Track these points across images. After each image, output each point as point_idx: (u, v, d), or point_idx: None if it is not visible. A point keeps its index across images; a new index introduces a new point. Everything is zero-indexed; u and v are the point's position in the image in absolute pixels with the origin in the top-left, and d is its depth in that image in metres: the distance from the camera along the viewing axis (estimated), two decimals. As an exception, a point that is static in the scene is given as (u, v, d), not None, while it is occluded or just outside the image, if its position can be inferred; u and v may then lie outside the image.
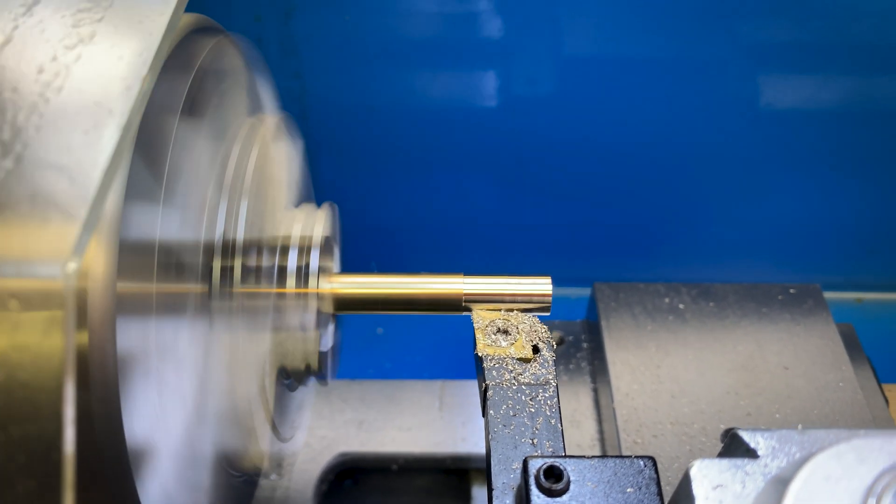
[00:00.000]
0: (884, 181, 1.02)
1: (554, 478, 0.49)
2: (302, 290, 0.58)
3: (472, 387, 0.95)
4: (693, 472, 0.45)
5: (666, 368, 0.76)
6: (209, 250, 0.53)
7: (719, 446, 0.68)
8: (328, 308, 0.62)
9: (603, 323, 0.80)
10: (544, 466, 0.49)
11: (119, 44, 0.41)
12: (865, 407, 0.73)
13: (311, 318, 0.59)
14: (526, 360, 0.59)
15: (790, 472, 0.42)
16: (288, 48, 0.93)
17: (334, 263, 0.65)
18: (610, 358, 0.77)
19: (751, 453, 0.45)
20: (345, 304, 0.62)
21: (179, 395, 0.50)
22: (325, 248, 0.61)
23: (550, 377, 0.58)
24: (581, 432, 0.80)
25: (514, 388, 0.57)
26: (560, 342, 0.89)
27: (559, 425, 0.55)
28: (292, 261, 0.58)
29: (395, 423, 0.91)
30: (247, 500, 0.65)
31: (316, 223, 0.61)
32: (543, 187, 1.05)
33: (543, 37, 0.91)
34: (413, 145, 1.00)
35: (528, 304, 0.62)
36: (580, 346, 0.87)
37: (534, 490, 0.49)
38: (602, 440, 0.78)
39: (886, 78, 0.92)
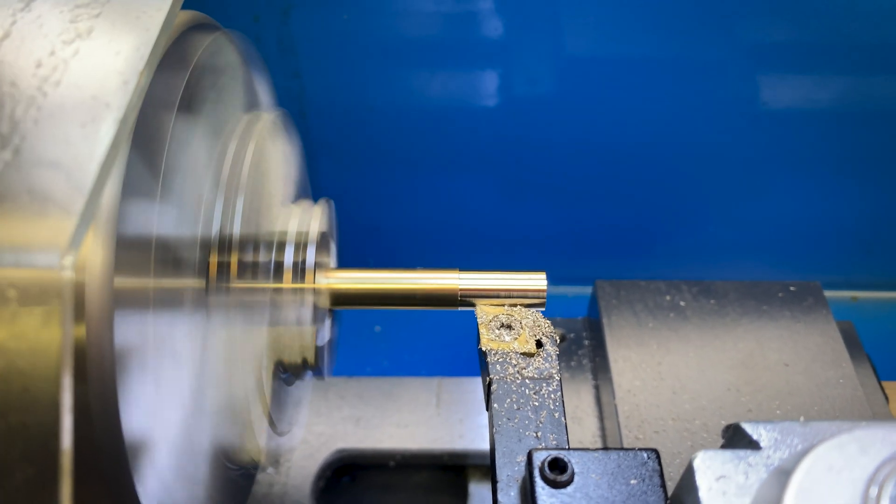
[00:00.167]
0: (880, 181, 1.02)
1: (558, 470, 0.50)
2: (298, 286, 0.59)
3: (470, 384, 0.95)
4: (696, 463, 0.45)
5: (667, 365, 0.76)
6: (206, 245, 0.53)
7: (720, 442, 0.69)
8: (325, 303, 0.62)
9: (604, 320, 0.81)
10: (549, 458, 0.50)
11: (116, 39, 0.42)
12: (865, 403, 0.73)
13: (307, 312, 0.59)
14: (529, 355, 0.59)
15: (792, 463, 0.42)
16: (286, 47, 0.93)
17: (331, 259, 0.66)
18: (611, 355, 0.77)
19: (753, 445, 0.46)
20: (341, 300, 0.62)
21: (176, 388, 0.51)
22: (322, 243, 0.62)
23: (554, 371, 0.58)
24: (583, 429, 0.80)
25: (518, 382, 0.58)
26: (562, 339, 0.90)
27: (563, 419, 0.56)
28: (289, 256, 0.59)
29: (393, 420, 0.92)
30: (244, 493, 0.66)
31: (312, 219, 0.62)
32: (543, 186, 1.05)
33: (543, 36, 0.91)
34: (411, 144, 1.00)
35: (522, 300, 0.62)
36: (581, 344, 0.87)
37: (538, 482, 0.49)
38: (604, 436, 0.78)
39: (886, 78, 0.93)
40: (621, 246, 1.10)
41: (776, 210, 1.06)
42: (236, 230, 0.54)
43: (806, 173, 1.02)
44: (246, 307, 0.56)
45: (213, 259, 0.54)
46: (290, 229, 0.60)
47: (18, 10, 0.43)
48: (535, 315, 0.61)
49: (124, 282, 0.43)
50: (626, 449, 0.51)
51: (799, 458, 0.42)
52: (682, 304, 0.82)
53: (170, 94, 0.49)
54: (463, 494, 0.92)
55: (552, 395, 0.57)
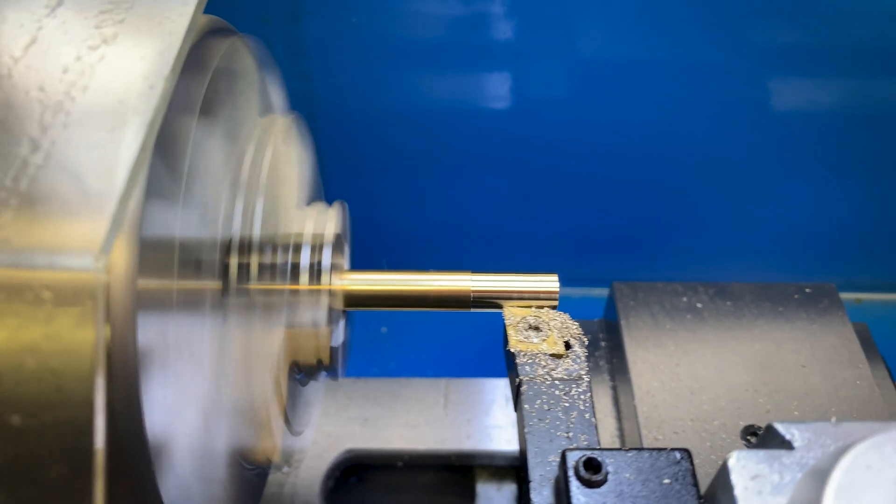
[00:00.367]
0: (883, 183, 1.03)
1: (593, 469, 0.50)
2: (315, 287, 0.59)
3: (476, 385, 0.96)
4: (731, 463, 0.45)
5: (685, 366, 0.77)
6: (225, 248, 0.54)
7: (739, 442, 0.70)
8: (339, 304, 0.63)
9: (622, 322, 0.81)
10: (583, 458, 0.50)
11: (141, 44, 0.42)
12: (882, 404, 0.74)
13: (323, 314, 0.60)
14: (558, 356, 0.60)
15: (827, 463, 0.43)
16: (296, 50, 0.94)
17: (345, 261, 0.66)
18: (630, 356, 0.78)
19: (787, 445, 0.46)
20: (355, 301, 0.63)
21: (195, 389, 0.51)
22: (337, 245, 0.62)
23: (583, 373, 0.59)
24: (601, 430, 0.81)
25: (548, 383, 0.58)
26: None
27: (593, 419, 0.57)
28: (305, 258, 0.60)
29: (401, 421, 0.92)
30: (258, 492, 0.66)
31: (328, 221, 0.62)
32: (554, 188, 1.06)
33: (552, 39, 0.92)
34: (421, 146, 1.01)
35: (535, 302, 0.63)
36: (598, 346, 0.87)
37: (573, 482, 0.50)
38: (622, 437, 0.79)
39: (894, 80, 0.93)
40: (633, 247, 1.11)
41: (782, 212, 1.07)
42: (256, 233, 0.55)
43: (812, 175, 1.03)
44: (263, 308, 0.57)
45: (233, 261, 0.54)
46: (306, 231, 0.61)
47: (43, 15, 0.44)
48: (563, 317, 0.62)
49: (147, 283, 0.44)
50: (659, 449, 0.52)
51: (834, 458, 0.42)
52: (698, 305, 0.82)
53: (191, 98, 0.49)
54: (470, 496, 0.93)
55: (582, 396, 0.58)
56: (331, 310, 0.61)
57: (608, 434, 0.80)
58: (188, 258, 0.49)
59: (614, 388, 0.83)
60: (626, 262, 1.13)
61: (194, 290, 0.50)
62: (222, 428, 0.55)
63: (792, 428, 0.47)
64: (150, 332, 0.44)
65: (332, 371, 0.63)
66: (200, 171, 0.50)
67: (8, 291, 0.32)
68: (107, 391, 0.40)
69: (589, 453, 0.51)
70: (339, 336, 0.63)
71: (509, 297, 0.63)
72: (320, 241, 0.61)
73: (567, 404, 0.57)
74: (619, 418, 0.80)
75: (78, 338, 0.33)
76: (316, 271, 0.60)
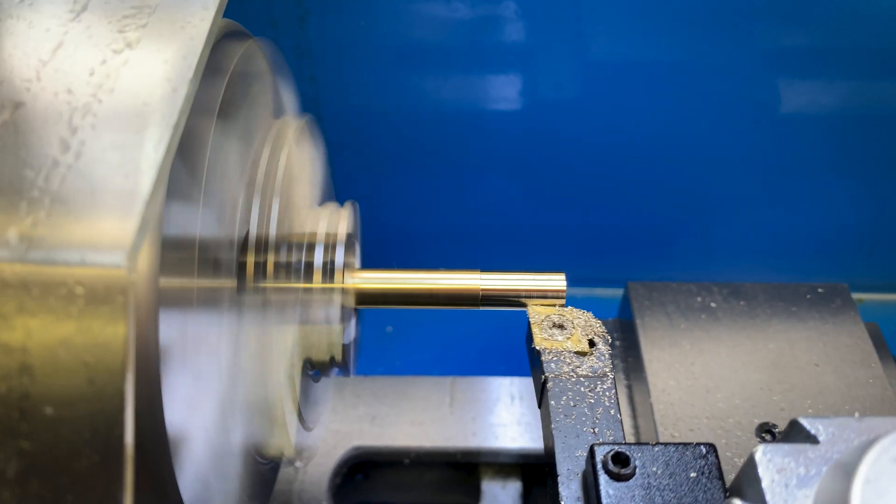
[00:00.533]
0: (889, 184, 1.04)
1: (621, 463, 0.51)
2: (328, 285, 0.61)
3: (482, 383, 0.97)
4: (758, 457, 0.46)
5: (700, 365, 0.78)
6: (242, 247, 0.55)
7: (754, 440, 0.72)
8: (351, 302, 0.64)
9: (638, 321, 0.82)
10: (611, 452, 0.52)
11: (164, 48, 0.44)
12: (895, 402, 0.75)
13: (336, 311, 0.61)
14: (583, 354, 0.61)
15: (852, 457, 0.43)
16: (303, 52, 0.95)
17: (356, 259, 0.68)
18: (646, 355, 0.79)
19: (812, 439, 0.47)
20: (366, 299, 0.64)
21: (212, 384, 0.53)
22: (349, 244, 0.64)
23: (608, 370, 0.60)
24: None
25: (573, 380, 0.59)
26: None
27: (618, 415, 0.58)
28: (318, 257, 0.61)
29: (408, 418, 0.93)
30: (270, 486, 0.68)
31: (340, 221, 0.64)
32: (564, 190, 1.07)
33: (560, 41, 0.93)
34: (429, 147, 1.02)
35: (543, 300, 0.64)
36: (613, 345, 0.88)
37: (602, 475, 0.51)
38: (637, 435, 0.80)
39: None
40: (644, 248, 1.12)
41: (789, 213, 1.08)
42: (272, 232, 0.56)
43: (819, 176, 1.04)
44: (277, 306, 0.58)
45: (249, 260, 0.56)
46: (319, 231, 0.62)
47: (69, 20, 0.45)
48: (586, 315, 0.63)
49: (168, 281, 0.45)
50: (685, 444, 0.53)
51: (860, 451, 0.43)
52: (712, 305, 0.83)
53: (209, 100, 0.50)
54: (475, 494, 0.94)
55: (607, 393, 0.59)
56: (343, 307, 0.62)
57: (625, 431, 0.81)
58: (207, 257, 0.50)
59: (629, 387, 0.84)
60: (638, 262, 1.14)
61: (212, 289, 0.52)
62: (238, 423, 0.56)
63: (816, 423, 0.47)
64: (171, 328, 0.46)
65: (343, 367, 0.65)
66: (218, 172, 0.52)
67: (43, 287, 0.33)
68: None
69: (617, 448, 0.52)
70: (351, 333, 0.64)
71: (518, 295, 0.64)
72: (333, 240, 0.62)
73: (592, 401, 0.58)
74: (634, 416, 0.81)
75: (108, 332, 0.34)
76: (329, 270, 0.61)
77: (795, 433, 0.49)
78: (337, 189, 0.80)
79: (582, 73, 0.96)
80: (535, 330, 0.62)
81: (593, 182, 1.06)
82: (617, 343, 0.88)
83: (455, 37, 0.94)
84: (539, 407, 0.61)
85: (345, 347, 0.63)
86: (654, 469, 0.52)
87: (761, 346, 0.80)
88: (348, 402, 0.94)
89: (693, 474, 0.52)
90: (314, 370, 0.65)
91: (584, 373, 0.60)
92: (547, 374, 0.60)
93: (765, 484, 0.45)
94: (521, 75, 0.97)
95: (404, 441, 0.91)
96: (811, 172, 1.04)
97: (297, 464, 0.83)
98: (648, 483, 0.51)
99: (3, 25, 0.44)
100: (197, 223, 0.48)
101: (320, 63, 0.96)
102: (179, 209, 0.46)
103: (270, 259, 0.56)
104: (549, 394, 0.59)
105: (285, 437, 0.60)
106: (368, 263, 0.73)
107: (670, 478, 0.51)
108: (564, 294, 0.64)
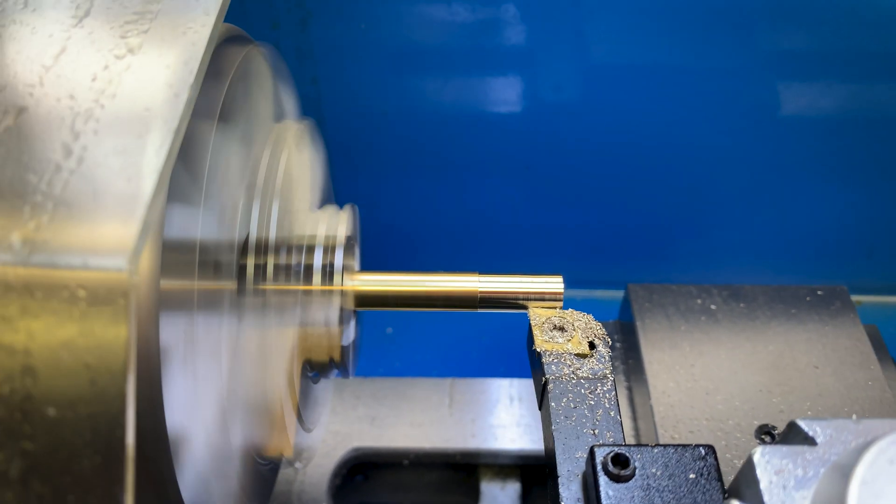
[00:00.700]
0: (889, 187, 1.05)
1: (620, 465, 0.52)
2: (327, 288, 0.61)
3: (481, 384, 0.98)
4: (756, 458, 0.47)
5: (700, 367, 0.78)
6: (242, 249, 0.56)
7: (754, 441, 0.72)
8: (350, 304, 0.65)
9: (638, 323, 0.82)
10: (611, 454, 0.52)
11: (165, 54, 0.44)
12: (895, 404, 0.75)
13: (335, 313, 0.62)
14: (583, 356, 0.61)
15: (849, 458, 0.44)
16: (304, 54, 0.96)
17: (356, 262, 0.68)
18: (646, 357, 0.79)
19: (809, 441, 0.47)
20: (366, 301, 0.65)
21: (213, 386, 0.53)
22: (348, 247, 0.64)
23: (608, 372, 0.61)
24: None
25: (574, 382, 0.60)
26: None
27: (618, 417, 0.58)
28: (318, 259, 0.61)
29: (407, 420, 0.94)
30: (270, 486, 0.68)
31: (339, 224, 0.64)
32: (565, 192, 1.08)
33: (560, 43, 0.94)
34: (430, 149, 1.03)
35: (541, 302, 0.64)
36: (613, 347, 0.89)
37: (602, 476, 0.52)
38: (637, 436, 0.80)
39: None
40: (644, 251, 1.13)
41: (787, 215, 1.09)
42: (271, 235, 0.57)
43: (818, 179, 1.04)
44: (277, 308, 0.58)
45: (249, 262, 0.56)
46: (318, 233, 0.63)
47: (71, 26, 0.46)
48: (587, 318, 0.64)
49: (168, 284, 0.46)
50: (684, 445, 0.53)
51: (857, 453, 0.43)
52: (712, 307, 0.84)
53: (210, 105, 0.51)
54: (475, 495, 0.94)
55: (607, 395, 0.59)
56: (342, 309, 0.63)
57: (625, 433, 0.81)
58: (207, 259, 0.51)
59: (630, 389, 0.84)
60: (638, 265, 1.14)
61: (212, 291, 0.52)
62: (238, 424, 0.56)
63: (814, 425, 0.48)
64: (171, 330, 0.46)
65: (342, 369, 0.65)
66: (218, 176, 0.52)
67: (46, 290, 0.34)
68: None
69: (616, 449, 0.52)
70: (350, 335, 0.64)
71: (515, 297, 0.64)
72: (332, 242, 0.63)
73: (592, 402, 0.59)
74: (634, 418, 0.82)
75: (110, 334, 0.34)
76: (328, 272, 0.61)
77: (794, 435, 0.49)
78: (338, 191, 0.80)
79: (582, 75, 0.97)
80: (535, 332, 0.63)
81: (593, 184, 1.06)
82: (617, 345, 0.88)
83: (456, 39, 0.95)
84: (539, 408, 0.61)
85: (344, 349, 0.63)
86: (654, 470, 0.52)
87: (761, 347, 0.80)
88: (348, 404, 0.94)
89: (692, 475, 0.52)
90: (313, 372, 0.65)
91: (584, 375, 0.60)
92: (547, 376, 0.60)
93: (763, 485, 0.46)
94: (521, 77, 0.98)
95: (404, 442, 0.92)
96: (810, 175, 1.04)
97: (297, 464, 0.83)
98: (648, 484, 0.52)
99: (7, 31, 0.45)
100: (198, 226, 0.49)
101: (322, 65, 0.97)
102: (180, 212, 0.47)
103: (270, 261, 0.57)
104: (549, 395, 0.59)
105: (285, 439, 0.60)
106: (369, 266, 0.74)
107: (669, 479, 0.52)
108: (562, 296, 0.64)
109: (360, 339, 1.00)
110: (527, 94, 0.99)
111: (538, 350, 0.62)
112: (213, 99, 0.52)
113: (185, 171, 0.47)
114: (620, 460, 0.52)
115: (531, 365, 0.64)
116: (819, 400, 0.75)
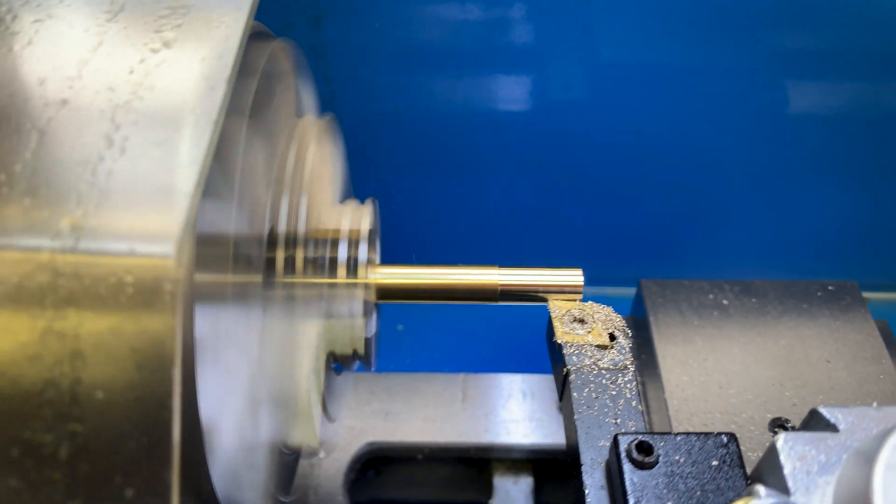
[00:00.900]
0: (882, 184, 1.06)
1: (644, 452, 0.53)
2: (351, 280, 0.62)
3: (493, 380, 0.98)
4: (780, 445, 0.47)
5: (713, 361, 0.79)
6: (271, 242, 0.57)
7: (767, 434, 0.72)
8: (373, 297, 0.65)
9: (651, 318, 0.83)
10: (635, 442, 0.53)
11: (200, 48, 0.45)
12: None
13: (359, 306, 0.63)
14: (604, 347, 0.62)
15: (872, 444, 0.45)
16: (318, 53, 0.96)
17: (377, 255, 0.69)
18: (659, 352, 0.80)
19: (831, 428, 0.48)
20: (388, 294, 0.66)
21: (242, 377, 0.54)
22: (371, 240, 0.65)
23: (628, 362, 0.62)
24: None
25: (595, 372, 0.61)
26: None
27: (640, 406, 0.59)
28: (342, 253, 0.62)
29: (420, 415, 0.94)
30: (293, 475, 0.69)
31: (363, 217, 0.65)
32: (576, 190, 1.08)
33: (571, 43, 0.94)
34: (439, 147, 1.03)
35: (560, 295, 0.65)
36: None
37: (626, 464, 0.53)
38: (651, 430, 0.81)
39: None
40: (654, 248, 1.14)
41: (793, 212, 1.10)
42: (300, 229, 0.58)
43: (825, 176, 1.05)
44: (303, 301, 0.59)
45: (277, 255, 0.57)
46: (342, 227, 0.64)
47: (106, 20, 0.46)
48: (606, 310, 0.65)
49: (201, 277, 0.46)
50: (707, 433, 0.54)
51: (879, 439, 0.44)
52: (724, 302, 0.84)
53: (241, 101, 0.52)
54: (487, 490, 0.95)
55: (628, 385, 0.60)
56: (365, 302, 0.64)
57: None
58: (237, 253, 0.51)
59: (643, 383, 0.85)
60: (650, 261, 1.15)
61: (242, 283, 0.53)
62: (265, 415, 0.57)
63: (836, 412, 0.49)
64: (204, 323, 0.47)
65: (365, 361, 0.66)
66: (248, 170, 0.53)
67: (94, 277, 0.35)
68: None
69: (641, 437, 0.53)
70: (372, 327, 0.65)
71: (535, 290, 0.65)
72: (356, 236, 0.63)
73: (614, 392, 0.60)
74: (648, 412, 0.82)
75: (156, 320, 0.35)
76: (352, 265, 0.62)
77: (815, 422, 0.50)
78: (354, 189, 0.81)
79: (592, 74, 0.97)
80: (556, 324, 0.63)
81: (604, 182, 1.07)
82: (631, 340, 0.89)
83: (467, 39, 0.96)
84: (560, 399, 0.62)
85: (367, 341, 0.64)
86: (677, 458, 0.53)
87: (773, 342, 0.81)
88: (362, 399, 0.95)
89: (715, 462, 0.53)
90: (336, 364, 0.66)
91: (605, 365, 0.61)
92: (569, 367, 0.61)
93: (787, 471, 0.46)
94: (531, 76, 0.99)
95: (418, 437, 0.92)
96: (819, 173, 1.05)
97: (321, 454, 0.84)
98: (671, 471, 0.52)
99: (44, 25, 0.46)
100: (229, 220, 0.50)
101: (335, 64, 0.97)
102: (212, 206, 0.47)
103: (299, 255, 0.58)
104: (571, 386, 0.60)
105: (311, 429, 0.61)
106: (384, 261, 0.75)
107: (693, 466, 0.53)
108: (581, 289, 0.65)
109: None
110: (537, 92, 1.00)
111: (559, 342, 0.63)
112: (244, 95, 0.52)
113: (217, 166, 0.48)
114: (644, 448, 0.53)
115: (551, 356, 0.65)
116: (831, 393, 0.76)
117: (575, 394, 0.60)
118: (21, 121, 0.39)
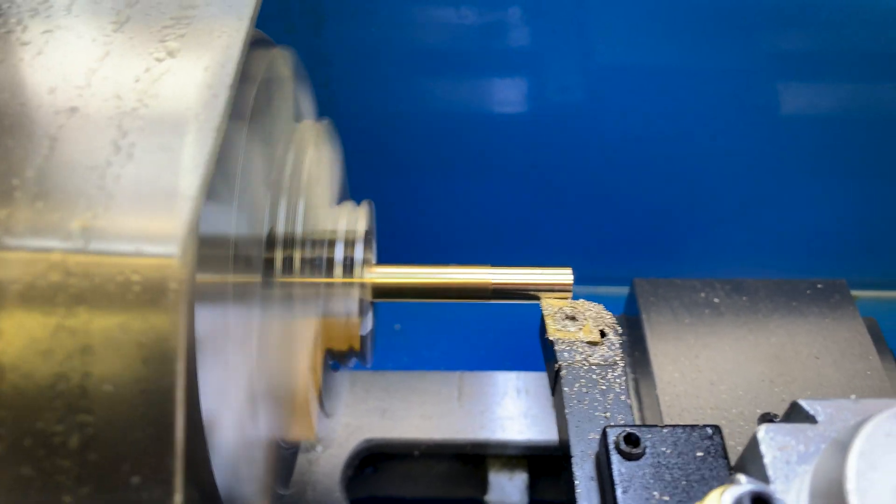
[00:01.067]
0: (885, 184, 1.07)
1: (632, 444, 0.55)
2: (347, 280, 0.64)
3: (489, 378, 1.00)
4: (760, 436, 0.49)
5: (704, 359, 0.81)
6: (270, 243, 0.59)
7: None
8: (369, 296, 0.67)
9: (644, 316, 0.85)
10: (623, 434, 0.55)
11: (203, 56, 0.47)
12: (893, 393, 0.77)
13: (355, 304, 0.65)
14: (594, 344, 0.64)
15: (849, 434, 0.46)
16: (318, 58, 0.98)
17: (373, 255, 0.71)
18: (652, 349, 0.81)
19: (811, 419, 0.50)
20: (383, 293, 0.68)
21: (241, 374, 0.56)
22: (367, 241, 0.67)
23: (618, 358, 0.64)
24: None
25: (585, 368, 0.63)
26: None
27: (629, 401, 0.61)
28: (339, 253, 0.64)
29: (417, 412, 0.96)
30: (291, 469, 0.71)
31: (359, 218, 0.67)
32: (571, 191, 1.10)
33: (568, 46, 0.96)
34: (437, 149, 1.05)
35: (550, 293, 0.67)
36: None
37: (614, 455, 0.55)
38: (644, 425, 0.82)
39: None
40: (647, 248, 1.15)
41: (786, 212, 1.11)
42: (297, 230, 0.59)
43: (816, 176, 1.07)
44: (300, 300, 0.61)
45: (275, 256, 0.59)
46: (339, 228, 0.65)
47: (112, 31, 0.48)
48: (597, 307, 0.67)
49: (203, 277, 0.48)
50: (692, 425, 0.56)
51: (855, 429, 0.46)
52: (715, 300, 0.86)
53: (241, 107, 0.54)
54: (482, 486, 0.96)
55: (618, 380, 0.62)
56: (361, 300, 0.66)
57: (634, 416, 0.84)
58: (237, 254, 0.53)
59: (636, 380, 0.86)
60: (642, 262, 1.17)
61: (241, 284, 0.55)
62: (265, 410, 0.59)
63: (815, 404, 0.51)
64: (205, 322, 0.49)
65: (361, 357, 0.68)
66: (247, 173, 0.55)
67: (103, 275, 0.37)
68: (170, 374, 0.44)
69: (628, 429, 0.55)
70: (368, 325, 0.67)
71: (526, 288, 0.67)
72: (353, 237, 0.65)
73: (604, 387, 0.62)
74: (640, 408, 0.84)
75: (161, 316, 0.37)
76: (349, 265, 0.64)
77: (796, 414, 0.52)
78: (351, 191, 0.83)
79: (586, 76, 0.99)
80: (548, 321, 0.65)
81: (598, 183, 1.09)
82: (623, 338, 0.91)
83: (465, 42, 0.97)
84: (552, 394, 0.64)
85: (363, 339, 0.66)
86: (664, 449, 0.55)
87: (763, 339, 0.82)
88: (359, 397, 0.97)
89: (700, 454, 0.55)
90: (333, 361, 0.68)
91: (595, 361, 0.63)
92: (560, 363, 0.63)
93: (767, 460, 0.48)
94: (528, 79, 1.00)
95: (414, 434, 0.94)
96: (811, 173, 1.06)
97: (318, 448, 0.86)
98: (658, 462, 0.54)
99: (53, 35, 0.48)
100: (229, 222, 0.52)
101: (335, 69, 0.99)
102: (213, 209, 0.49)
103: (297, 255, 0.60)
104: (562, 381, 0.62)
105: (309, 424, 0.63)
106: (382, 261, 0.77)
107: (678, 457, 0.55)
108: (571, 287, 0.67)
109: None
110: (533, 94, 1.01)
111: (551, 338, 0.64)
112: (244, 101, 0.54)
113: (217, 170, 0.50)
114: (632, 439, 0.55)
115: (544, 353, 0.66)
116: (820, 389, 0.77)
117: (566, 389, 0.62)
118: (33, 128, 0.41)
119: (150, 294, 0.37)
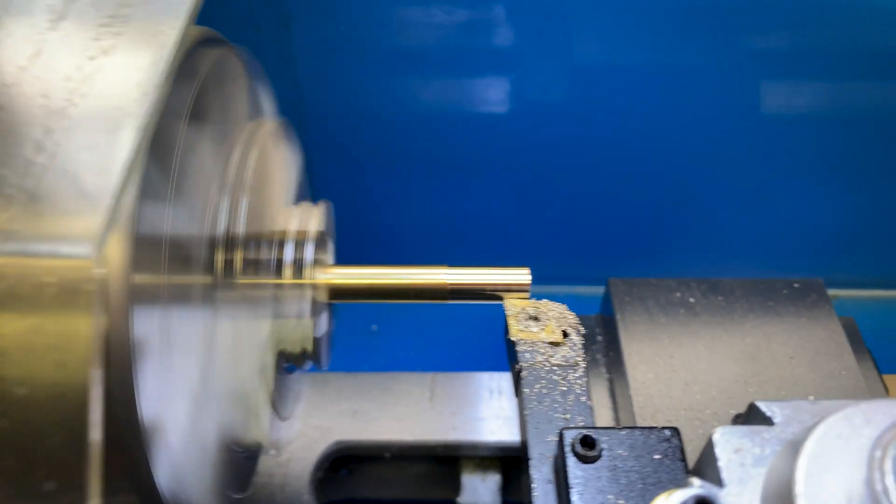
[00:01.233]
0: (866, 184, 1.07)
1: (588, 446, 0.54)
2: (298, 281, 0.63)
3: (462, 379, 0.99)
4: (716, 438, 0.49)
5: (679, 359, 0.80)
6: (213, 244, 0.58)
7: None
8: (323, 297, 0.67)
9: (618, 316, 0.84)
10: (579, 436, 0.54)
11: (136, 55, 0.46)
12: (867, 394, 0.77)
13: (306, 306, 0.64)
14: (556, 344, 0.64)
15: (803, 436, 0.46)
16: (287, 56, 0.98)
17: (329, 256, 0.70)
18: (626, 350, 0.80)
19: (767, 421, 0.50)
20: (338, 294, 0.67)
21: (185, 377, 0.55)
22: (320, 241, 0.66)
23: (580, 359, 0.63)
24: (598, 419, 0.83)
25: (547, 369, 0.62)
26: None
27: (589, 402, 0.61)
28: (289, 253, 0.63)
29: (389, 413, 0.95)
30: (249, 474, 0.70)
31: (311, 219, 0.66)
32: (548, 191, 1.09)
33: (545, 44, 0.95)
34: (410, 149, 1.05)
35: (508, 293, 0.66)
36: (595, 340, 0.90)
37: (570, 458, 0.54)
38: (618, 426, 0.82)
39: (887, 83, 0.97)
40: (626, 247, 1.15)
41: (766, 211, 1.11)
42: (241, 229, 0.59)
43: (797, 177, 1.06)
44: (250, 301, 0.60)
45: (220, 256, 0.58)
46: (290, 228, 0.65)
47: (46, 29, 0.48)
48: (560, 307, 0.66)
49: (140, 278, 0.48)
50: (650, 427, 0.56)
51: (809, 431, 0.45)
52: (691, 300, 0.85)
53: (181, 103, 0.53)
54: (455, 487, 0.96)
55: (578, 381, 0.62)
56: (314, 302, 0.65)
57: (605, 423, 0.83)
58: (178, 254, 0.53)
59: (611, 381, 0.86)
60: (619, 261, 1.16)
61: (184, 285, 0.54)
62: (213, 413, 0.58)
63: (773, 406, 0.50)
64: (144, 323, 0.48)
65: (316, 360, 0.67)
66: (190, 172, 0.54)
67: (17, 277, 0.36)
68: (104, 378, 0.44)
69: (585, 431, 0.55)
70: (323, 327, 0.66)
71: (483, 289, 0.66)
72: (304, 237, 0.65)
73: (564, 388, 0.61)
74: (615, 409, 0.83)
75: (77, 320, 0.36)
76: (299, 266, 0.63)
77: (754, 416, 0.51)
78: (321, 192, 0.82)
79: (565, 75, 0.99)
80: (510, 322, 0.65)
81: (576, 183, 1.08)
82: (599, 338, 0.90)
83: (439, 40, 0.97)
84: (516, 395, 0.63)
85: (316, 340, 0.65)
86: (621, 451, 0.54)
87: (738, 339, 0.81)
88: (331, 398, 0.96)
89: (657, 456, 0.54)
90: (288, 363, 0.67)
91: (557, 362, 0.63)
92: (521, 364, 0.62)
93: (721, 463, 0.48)
94: (505, 78, 1.00)
95: (386, 435, 0.93)
96: (789, 172, 1.06)
97: (272, 452, 0.85)
98: (615, 465, 0.54)
99: (-15, 34, 0.47)
100: (168, 221, 0.51)
101: (304, 67, 0.99)
102: (151, 208, 0.49)
103: (241, 256, 0.59)
104: (523, 382, 0.61)
105: (260, 428, 0.62)
106: (354, 262, 0.76)
107: (636, 460, 0.54)
108: (528, 287, 0.66)
109: (344, 336, 1.02)
110: (510, 94, 1.01)
111: (513, 339, 0.64)
112: (184, 98, 0.54)
113: (156, 168, 0.49)
114: (588, 442, 0.54)
115: (508, 354, 0.66)
116: (794, 389, 0.77)
117: (526, 390, 0.61)
118: (-47, 127, 0.40)
119: (65, 296, 0.36)
